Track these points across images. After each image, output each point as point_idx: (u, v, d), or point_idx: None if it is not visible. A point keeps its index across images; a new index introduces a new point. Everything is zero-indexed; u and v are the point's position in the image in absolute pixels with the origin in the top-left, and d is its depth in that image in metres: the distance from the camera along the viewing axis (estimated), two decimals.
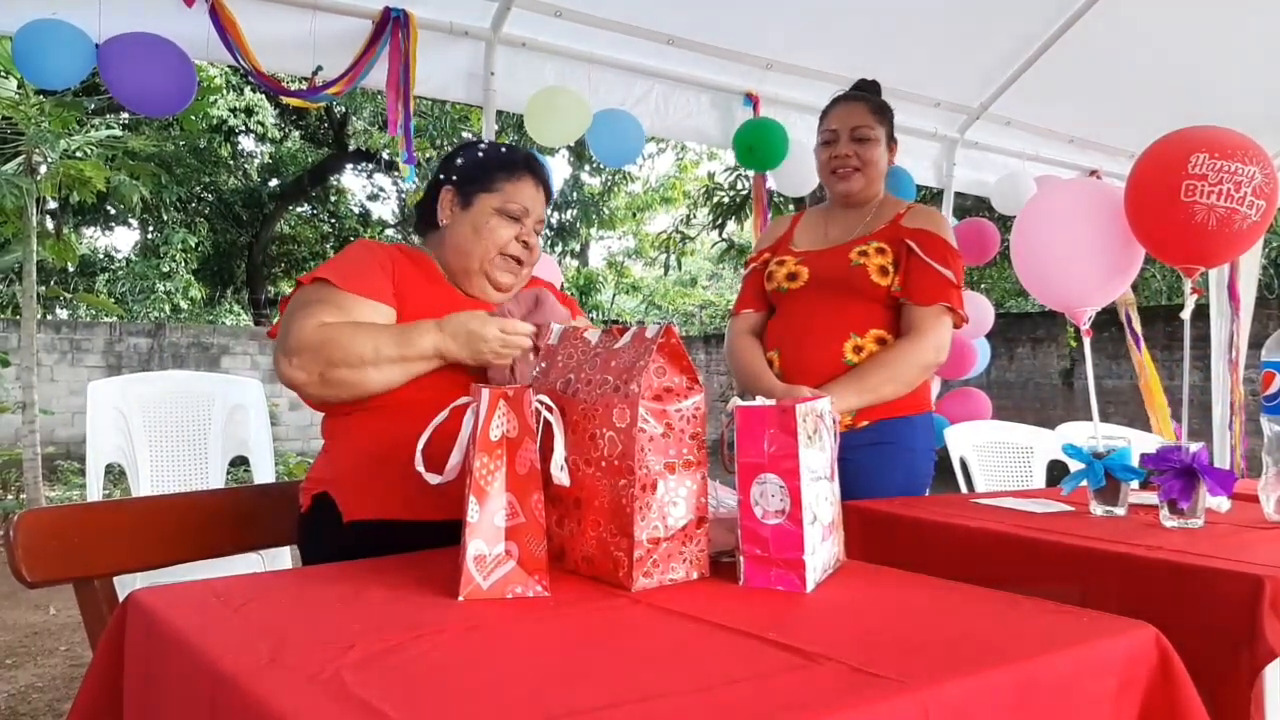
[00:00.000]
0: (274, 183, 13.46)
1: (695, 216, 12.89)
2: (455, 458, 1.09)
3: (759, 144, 3.21)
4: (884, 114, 2.10)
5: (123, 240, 24.28)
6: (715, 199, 10.86)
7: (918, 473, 2.02)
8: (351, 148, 11.70)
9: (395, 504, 1.36)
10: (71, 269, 11.86)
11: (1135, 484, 1.67)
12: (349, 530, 1.38)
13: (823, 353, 1.97)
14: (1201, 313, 4.49)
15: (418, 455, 1.08)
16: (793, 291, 2.05)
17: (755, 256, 2.22)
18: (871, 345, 1.97)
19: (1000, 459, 2.99)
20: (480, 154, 1.61)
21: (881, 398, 1.93)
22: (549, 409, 1.09)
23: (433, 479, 1.08)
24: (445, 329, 1.37)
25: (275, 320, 1.55)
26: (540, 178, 1.62)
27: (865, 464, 1.88)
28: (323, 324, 1.37)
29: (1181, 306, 2.17)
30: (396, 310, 1.46)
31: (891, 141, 2.12)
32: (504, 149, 1.63)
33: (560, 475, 1.06)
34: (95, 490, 2.56)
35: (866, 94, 2.13)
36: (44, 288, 9.44)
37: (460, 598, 0.98)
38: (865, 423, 1.94)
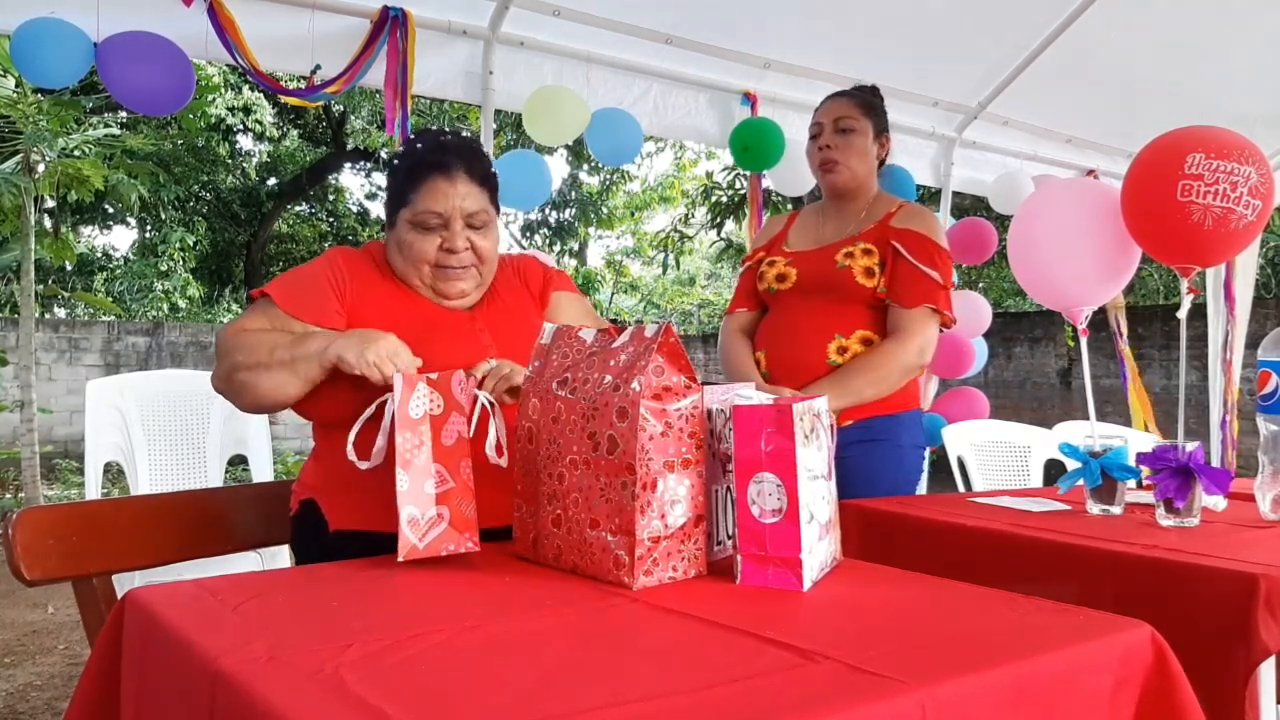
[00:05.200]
0: (272, 181, 13.44)
1: (694, 216, 12.88)
2: (380, 442, 1.19)
3: (754, 144, 3.21)
4: (870, 108, 2.10)
5: (121, 239, 24.27)
6: (714, 198, 10.84)
7: (906, 469, 2.04)
8: (350, 147, 11.67)
9: (380, 516, 1.34)
10: (69, 268, 11.86)
11: (1132, 483, 1.68)
12: (337, 539, 1.38)
13: (808, 353, 1.98)
14: (1199, 312, 4.50)
15: (349, 446, 1.18)
16: (781, 292, 2.07)
17: (751, 255, 2.23)
18: (857, 346, 1.98)
19: (998, 458, 2.99)
20: (396, 162, 1.50)
21: (863, 399, 1.94)
22: (490, 405, 1.22)
23: (362, 465, 1.18)
24: (349, 331, 1.33)
25: None
26: (451, 170, 1.43)
27: (853, 462, 1.88)
28: (243, 329, 1.36)
29: (1178, 306, 2.17)
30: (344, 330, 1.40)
31: (881, 135, 2.11)
32: (419, 145, 1.48)
33: (494, 456, 1.20)
34: (94, 489, 2.56)
35: (856, 90, 2.13)
36: (42, 286, 9.43)
37: (400, 559, 1.09)
38: (851, 421, 1.95)
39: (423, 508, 1.12)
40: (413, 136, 1.53)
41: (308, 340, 1.31)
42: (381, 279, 1.49)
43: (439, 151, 1.45)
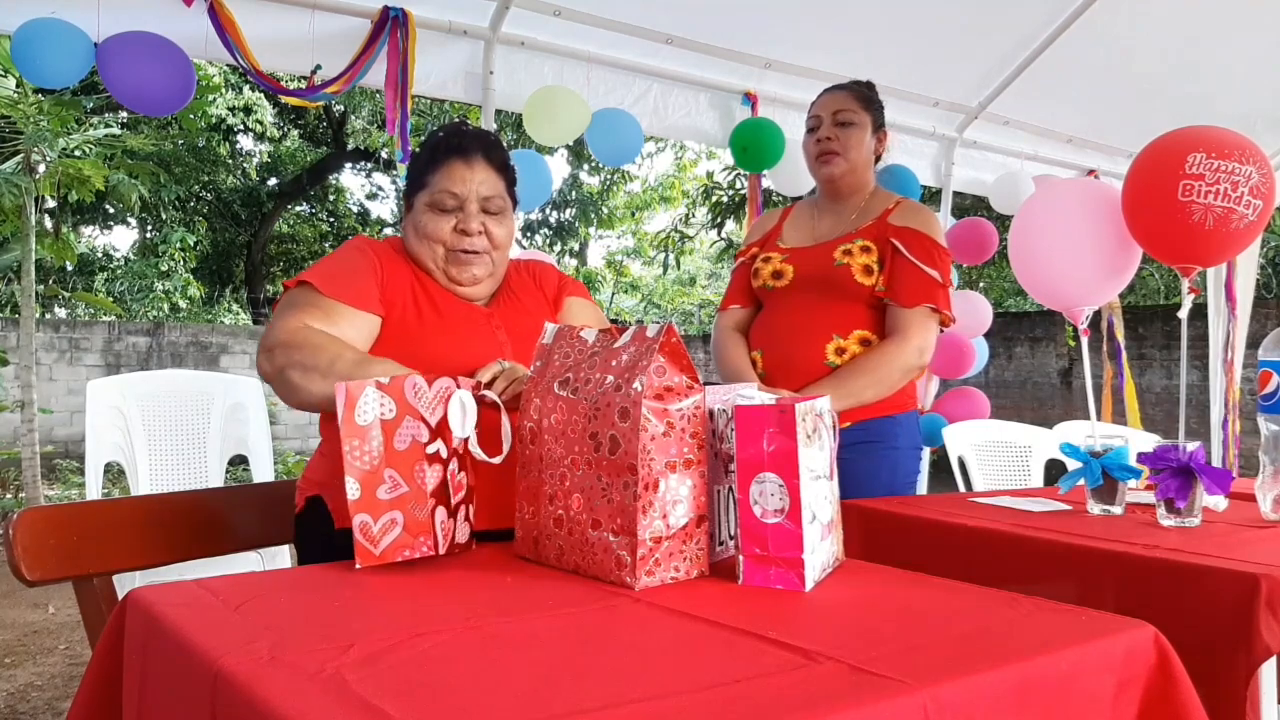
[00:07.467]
0: (272, 181, 13.45)
1: (694, 216, 12.90)
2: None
3: (753, 144, 3.21)
4: (869, 102, 2.08)
5: (121, 239, 24.25)
6: (714, 198, 10.86)
7: (904, 471, 2.01)
8: (350, 147, 11.70)
9: None
10: (70, 268, 11.86)
11: (1133, 483, 1.68)
12: (341, 536, 1.38)
13: (805, 354, 1.96)
14: (1199, 312, 4.51)
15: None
16: (778, 290, 2.03)
17: (744, 251, 2.20)
18: (855, 346, 1.95)
19: (998, 458, 2.99)
20: (419, 150, 1.55)
21: (862, 401, 1.91)
22: (498, 405, 1.21)
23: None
24: (408, 368, 1.30)
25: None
26: (470, 154, 1.49)
27: (850, 464, 1.84)
28: (307, 326, 1.35)
29: (1179, 306, 2.17)
30: (384, 316, 1.43)
31: (879, 131, 2.10)
32: (440, 134, 1.53)
33: (479, 452, 1.18)
34: (94, 489, 2.56)
35: (853, 84, 2.12)
36: (43, 287, 9.44)
37: (358, 567, 1.09)
38: (849, 424, 1.92)
39: (376, 514, 1.10)
40: (435, 129, 1.57)
41: (371, 365, 1.29)
42: (405, 269, 1.50)
43: (458, 137, 1.50)
